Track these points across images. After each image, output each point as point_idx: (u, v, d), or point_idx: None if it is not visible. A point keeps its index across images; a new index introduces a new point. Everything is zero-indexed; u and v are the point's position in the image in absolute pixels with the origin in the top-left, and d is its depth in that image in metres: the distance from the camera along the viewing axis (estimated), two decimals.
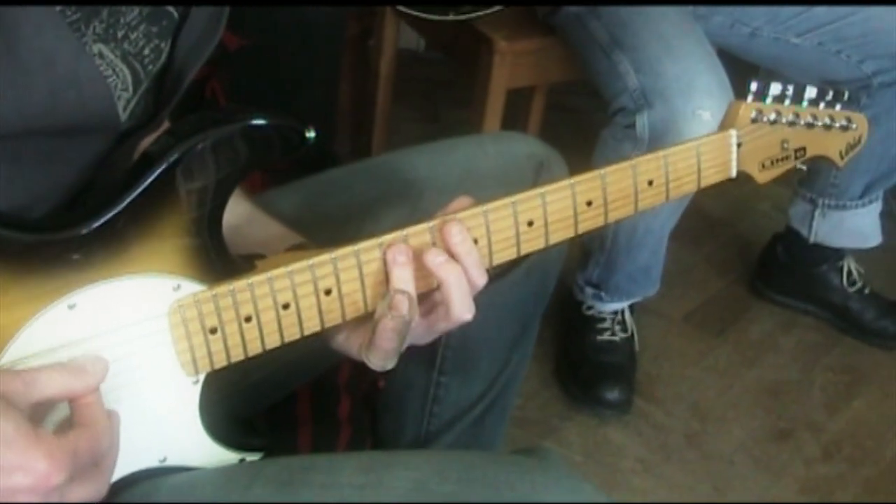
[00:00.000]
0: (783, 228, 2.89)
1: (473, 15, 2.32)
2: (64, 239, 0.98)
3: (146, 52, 1.09)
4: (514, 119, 2.85)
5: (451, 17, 2.32)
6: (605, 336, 2.55)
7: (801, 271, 2.87)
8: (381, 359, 1.14)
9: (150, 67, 1.10)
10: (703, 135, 1.30)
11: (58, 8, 0.98)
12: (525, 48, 2.45)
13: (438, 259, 1.12)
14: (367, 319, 1.15)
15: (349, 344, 1.20)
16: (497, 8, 2.30)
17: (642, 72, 2.16)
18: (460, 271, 1.12)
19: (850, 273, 2.85)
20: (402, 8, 2.40)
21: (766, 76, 2.79)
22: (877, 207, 2.74)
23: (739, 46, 2.55)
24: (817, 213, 2.74)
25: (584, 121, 3.26)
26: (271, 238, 1.28)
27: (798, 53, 2.50)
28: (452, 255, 1.12)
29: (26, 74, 0.95)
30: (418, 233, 1.13)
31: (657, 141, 2.09)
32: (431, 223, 1.13)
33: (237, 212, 1.29)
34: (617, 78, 2.20)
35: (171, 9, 1.13)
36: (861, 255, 2.85)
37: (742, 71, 2.49)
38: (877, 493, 2.38)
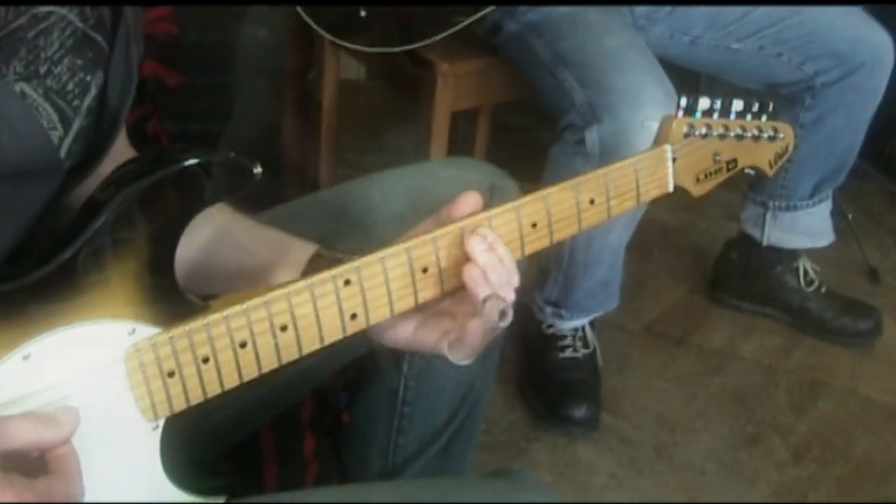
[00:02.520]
0: (736, 234, 2.90)
1: (420, 44, 2.31)
2: (13, 289, 0.97)
3: (70, 87, 1.07)
4: (460, 142, 2.85)
5: (396, 49, 2.32)
6: (568, 353, 2.54)
7: (756, 275, 2.88)
8: (465, 356, 1.18)
9: (76, 103, 1.08)
10: (639, 151, 1.32)
11: None
12: (467, 70, 2.44)
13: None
14: (435, 315, 1.19)
15: (420, 339, 1.21)
16: (441, 35, 2.29)
17: (588, 87, 2.16)
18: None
19: (805, 273, 2.87)
20: (344, 42, 2.39)
21: (709, 83, 2.83)
22: (827, 206, 2.76)
23: (681, 55, 2.56)
24: (769, 215, 2.76)
25: (531, 139, 3.25)
26: (277, 249, 1.27)
27: (739, 58, 2.52)
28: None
29: None
30: (420, 244, 1.14)
31: (608, 155, 2.09)
32: (433, 234, 1.14)
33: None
34: (563, 95, 2.20)
35: (97, 35, 1.11)
36: (815, 254, 2.87)
37: (686, 79, 2.50)
38: (850, 491, 2.37)
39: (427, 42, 2.30)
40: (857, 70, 2.46)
